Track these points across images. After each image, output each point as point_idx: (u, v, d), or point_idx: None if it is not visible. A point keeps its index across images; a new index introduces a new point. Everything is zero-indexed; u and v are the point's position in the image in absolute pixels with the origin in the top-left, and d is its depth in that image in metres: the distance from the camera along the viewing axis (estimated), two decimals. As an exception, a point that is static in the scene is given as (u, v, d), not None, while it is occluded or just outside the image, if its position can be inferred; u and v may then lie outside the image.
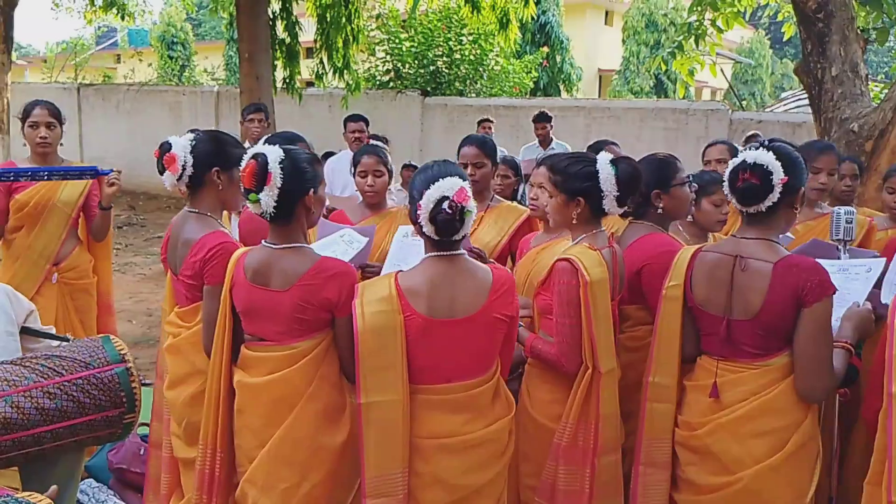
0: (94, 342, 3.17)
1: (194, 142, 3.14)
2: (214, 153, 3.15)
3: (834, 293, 2.67)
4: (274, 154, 2.68)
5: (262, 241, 2.84)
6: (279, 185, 2.64)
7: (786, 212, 2.80)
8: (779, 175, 2.70)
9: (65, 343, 3.31)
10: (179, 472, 3.27)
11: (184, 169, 3.09)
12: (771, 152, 2.73)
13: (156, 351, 6.51)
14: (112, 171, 4.50)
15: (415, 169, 8.21)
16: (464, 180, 2.57)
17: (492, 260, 3.61)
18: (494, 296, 2.67)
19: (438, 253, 2.66)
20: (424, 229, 2.58)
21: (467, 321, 2.64)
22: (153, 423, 3.59)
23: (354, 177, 4.05)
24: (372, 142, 6.14)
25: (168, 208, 14.93)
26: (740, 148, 4.82)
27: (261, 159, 2.66)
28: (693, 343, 2.98)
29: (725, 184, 2.86)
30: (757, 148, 2.78)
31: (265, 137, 4.07)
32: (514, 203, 4.28)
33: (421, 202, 2.54)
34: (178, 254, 3.14)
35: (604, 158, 3.03)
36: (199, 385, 3.08)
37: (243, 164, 2.72)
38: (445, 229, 2.55)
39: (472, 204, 2.55)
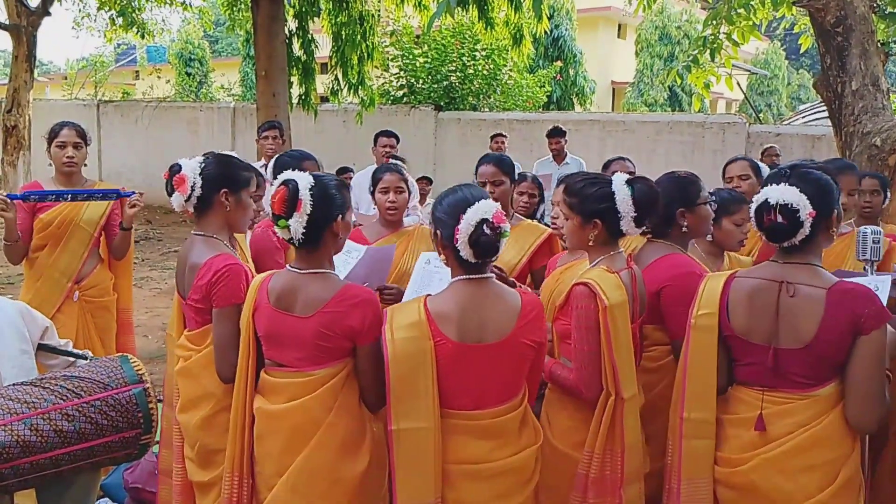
0: (113, 362, 3.16)
1: (204, 164, 3.17)
2: (223, 175, 3.16)
3: (890, 320, 2.58)
4: (304, 181, 2.68)
5: (287, 266, 2.84)
6: (308, 212, 2.65)
7: (823, 235, 2.70)
8: (806, 210, 2.59)
9: (83, 361, 3.29)
10: (193, 497, 3.21)
11: (192, 190, 3.12)
12: (795, 186, 2.63)
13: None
14: (134, 193, 4.54)
15: (430, 182, 8.24)
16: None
17: (519, 284, 3.56)
18: (523, 321, 2.64)
19: (468, 276, 2.65)
20: (462, 253, 2.57)
21: (496, 346, 2.61)
22: (162, 451, 3.52)
23: (374, 194, 4.04)
24: (392, 161, 6.14)
25: (184, 223, 14.95)
26: (760, 164, 4.78)
27: (291, 186, 2.66)
28: (725, 374, 2.85)
29: (752, 220, 2.76)
30: (780, 180, 2.68)
31: (276, 157, 4.07)
32: (534, 222, 4.23)
33: (460, 226, 2.54)
34: (186, 279, 3.13)
35: (619, 179, 2.97)
36: (210, 408, 3.07)
37: (272, 189, 2.72)
38: (487, 251, 2.56)
39: (507, 226, 2.57)
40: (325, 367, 2.71)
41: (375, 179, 4.04)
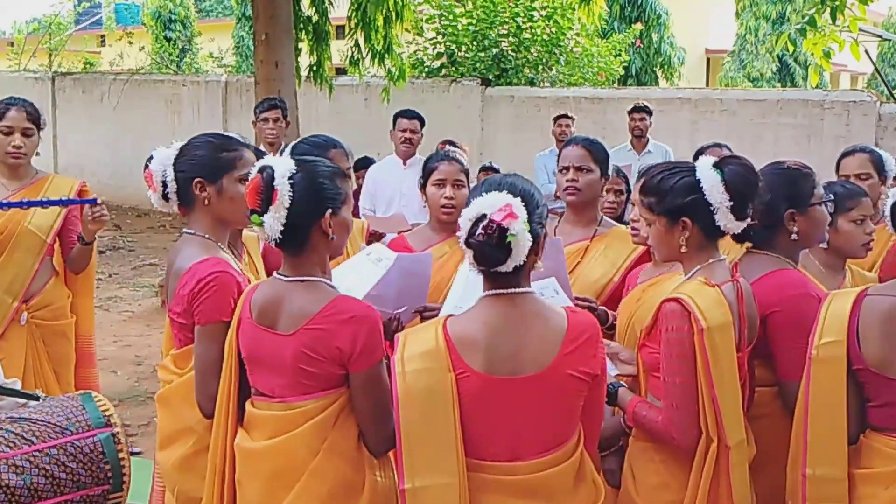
0: (73, 401, 3.19)
1: (179, 151, 3.25)
2: (195, 163, 3.22)
3: None
4: (283, 167, 2.73)
5: (275, 273, 2.90)
6: (287, 206, 2.70)
7: None
8: None
9: (35, 402, 3.33)
10: None
11: (165, 186, 3.20)
12: None
13: (146, 410, 6.57)
14: (97, 200, 4.50)
15: (496, 173, 8.19)
16: (517, 198, 2.52)
17: (612, 313, 3.59)
18: (569, 347, 2.60)
19: (496, 291, 2.62)
20: (468, 259, 2.57)
21: (534, 380, 2.58)
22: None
23: (425, 188, 4.01)
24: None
25: (162, 228, 15.11)
26: (886, 157, 4.69)
27: (266, 173, 2.72)
28: (857, 419, 2.86)
29: (886, 217, 2.78)
30: None
31: (292, 143, 4.03)
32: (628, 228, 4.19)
33: (459, 221, 2.55)
34: (170, 286, 3.23)
35: (704, 163, 2.97)
36: (190, 446, 3.16)
37: (251, 176, 2.79)
38: (482, 259, 2.52)
39: (518, 226, 2.47)
40: (311, 398, 2.76)
41: (428, 170, 4.01)
